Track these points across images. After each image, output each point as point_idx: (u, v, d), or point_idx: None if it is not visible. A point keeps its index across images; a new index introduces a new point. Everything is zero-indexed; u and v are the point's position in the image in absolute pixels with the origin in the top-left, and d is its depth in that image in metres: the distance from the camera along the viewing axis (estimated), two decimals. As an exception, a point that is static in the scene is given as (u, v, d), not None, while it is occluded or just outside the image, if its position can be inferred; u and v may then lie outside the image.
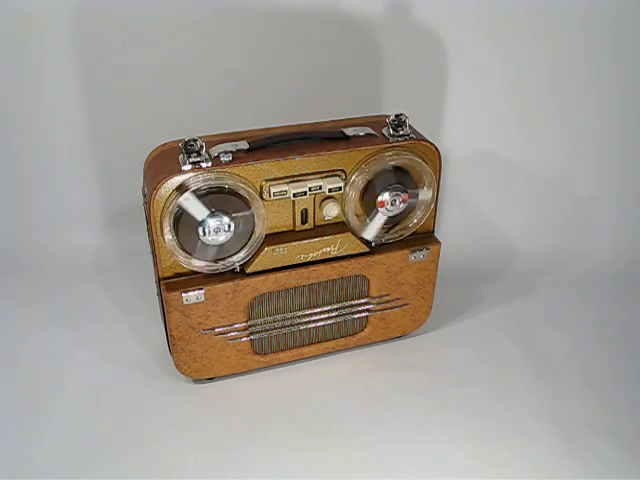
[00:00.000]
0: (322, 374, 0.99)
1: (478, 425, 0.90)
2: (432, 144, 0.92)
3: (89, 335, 1.06)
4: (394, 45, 1.22)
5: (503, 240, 1.31)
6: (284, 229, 0.91)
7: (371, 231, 0.94)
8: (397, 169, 0.91)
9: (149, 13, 1.15)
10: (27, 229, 1.27)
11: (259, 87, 1.23)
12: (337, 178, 0.89)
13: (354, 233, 0.93)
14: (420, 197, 0.93)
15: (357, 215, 0.92)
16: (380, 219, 0.92)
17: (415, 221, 0.96)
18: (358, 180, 0.89)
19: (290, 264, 0.92)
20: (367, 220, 0.93)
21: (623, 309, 1.15)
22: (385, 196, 0.90)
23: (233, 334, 0.94)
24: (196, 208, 0.83)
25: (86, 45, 1.17)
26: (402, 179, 0.91)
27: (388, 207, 0.91)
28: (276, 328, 0.97)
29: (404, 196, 0.91)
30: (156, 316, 1.05)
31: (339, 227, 0.93)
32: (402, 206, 0.92)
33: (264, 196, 0.87)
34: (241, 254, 0.89)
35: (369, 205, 0.91)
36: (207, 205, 0.83)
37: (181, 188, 0.82)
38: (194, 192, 0.82)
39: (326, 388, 0.97)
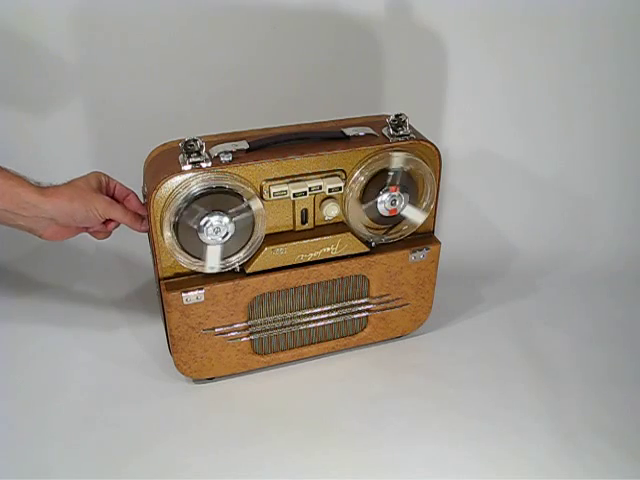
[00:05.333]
0: (322, 374, 0.99)
1: (478, 425, 0.90)
2: (432, 144, 0.92)
3: (89, 335, 1.06)
4: (394, 45, 1.22)
5: (503, 240, 1.31)
6: (284, 229, 0.91)
7: (417, 213, 0.93)
8: (410, 179, 0.91)
9: (149, 12, 1.15)
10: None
11: (259, 87, 1.23)
12: (337, 178, 0.88)
13: (354, 233, 0.93)
14: (410, 217, 0.94)
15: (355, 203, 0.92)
16: (381, 202, 0.91)
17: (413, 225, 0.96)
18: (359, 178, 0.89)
19: (290, 264, 0.92)
20: (373, 193, 0.91)
21: (623, 309, 1.15)
22: (384, 197, 0.90)
23: (233, 334, 0.94)
24: (215, 254, 0.86)
25: (85, 45, 1.17)
26: (409, 187, 0.91)
27: (387, 205, 0.91)
28: (276, 328, 0.97)
29: (393, 209, 0.91)
30: (156, 316, 1.05)
31: (339, 227, 0.93)
32: (404, 197, 0.92)
33: (264, 196, 0.87)
34: (241, 254, 0.89)
35: (370, 197, 0.91)
36: (210, 204, 0.84)
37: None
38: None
39: (326, 388, 0.97)
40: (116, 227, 0.93)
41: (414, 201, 0.93)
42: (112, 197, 0.92)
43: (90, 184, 0.89)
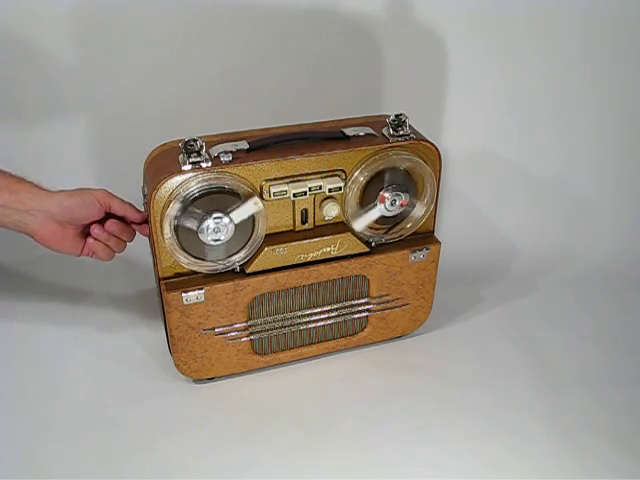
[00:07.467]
0: (322, 374, 0.99)
1: (478, 425, 0.90)
2: (432, 144, 0.92)
3: (89, 335, 1.06)
4: (394, 45, 1.22)
5: (503, 240, 1.31)
6: (284, 229, 0.91)
7: (361, 223, 0.93)
8: (403, 171, 0.91)
9: (149, 13, 1.15)
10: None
11: (259, 87, 1.23)
12: (337, 178, 0.88)
13: (354, 233, 0.93)
14: (415, 210, 0.94)
15: (355, 204, 0.92)
16: (374, 214, 0.92)
17: (415, 221, 0.96)
18: (359, 178, 0.89)
19: (290, 264, 0.92)
20: (361, 211, 0.92)
21: (622, 309, 1.15)
22: (387, 194, 0.90)
23: (233, 334, 0.94)
24: (243, 213, 0.85)
25: (85, 46, 1.17)
26: (407, 182, 0.91)
27: (387, 206, 0.91)
28: (276, 328, 0.97)
29: (403, 201, 0.91)
30: (156, 316, 1.05)
31: (339, 227, 0.93)
32: (399, 210, 0.92)
33: (264, 196, 0.87)
34: (241, 254, 0.89)
35: (369, 198, 0.91)
36: (210, 204, 0.83)
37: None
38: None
39: (326, 388, 0.97)
40: (114, 238, 0.92)
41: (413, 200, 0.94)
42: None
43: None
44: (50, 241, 0.89)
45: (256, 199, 0.84)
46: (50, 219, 0.87)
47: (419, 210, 0.94)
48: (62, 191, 0.88)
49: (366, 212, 0.92)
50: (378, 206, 0.91)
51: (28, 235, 0.89)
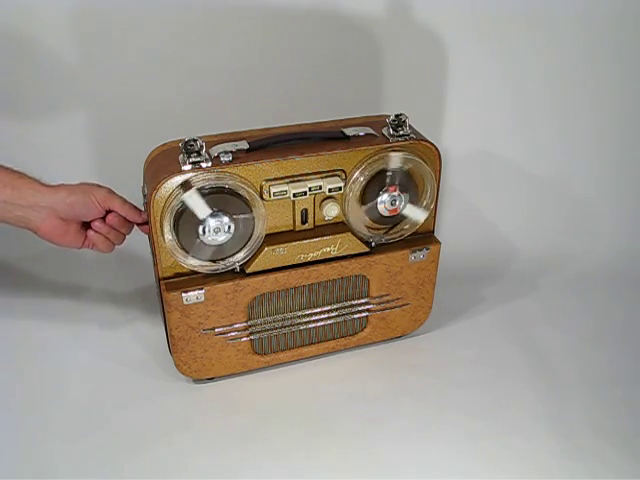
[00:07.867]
0: (322, 374, 0.99)
1: (478, 425, 0.90)
2: (432, 144, 0.92)
3: (89, 335, 1.06)
4: (394, 45, 1.22)
5: (503, 240, 1.31)
6: (284, 229, 0.91)
7: (420, 212, 0.94)
8: (404, 172, 0.91)
9: (149, 13, 1.15)
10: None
11: (259, 87, 1.23)
12: (337, 178, 0.88)
13: (354, 233, 0.93)
14: (411, 216, 0.94)
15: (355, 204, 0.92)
16: (381, 202, 0.92)
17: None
18: (359, 178, 0.89)
19: (290, 264, 0.92)
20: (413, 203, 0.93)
21: (623, 309, 1.15)
22: (384, 197, 0.90)
23: (233, 334, 0.94)
24: (198, 206, 0.83)
25: (85, 45, 1.17)
26: (407, 183, 0.91)
27: (388, 207, 0.91)
28: (276, 328, 0.97)
29: (391, 187, 0.91)
30: (156, 316, 1.05)
31: (339, 227, 0.93)
32: (404, 197, 0.92)
33: (264, 196, 0.87)
34: (241, 254, 0.89)
35: (369, 198, 0.91)
36: (210, 204, 0.83)
37: (185, 185, 0.82)
38: (198, 190, 0.82)
39: (326, 388, 0.97)
40: (114, 232, 0.92)
41: (414, 200, 0.94)
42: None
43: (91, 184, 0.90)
44: (52, 236, 0.90)
45: (188, 192, 0.81)
46: (53, 214, 0.88)
47: (416, 215, 0.94)
48: (63, 185, 0.88)
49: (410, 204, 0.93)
50: (385, 194, 0.91)
51: (31, 230, 0.90)
